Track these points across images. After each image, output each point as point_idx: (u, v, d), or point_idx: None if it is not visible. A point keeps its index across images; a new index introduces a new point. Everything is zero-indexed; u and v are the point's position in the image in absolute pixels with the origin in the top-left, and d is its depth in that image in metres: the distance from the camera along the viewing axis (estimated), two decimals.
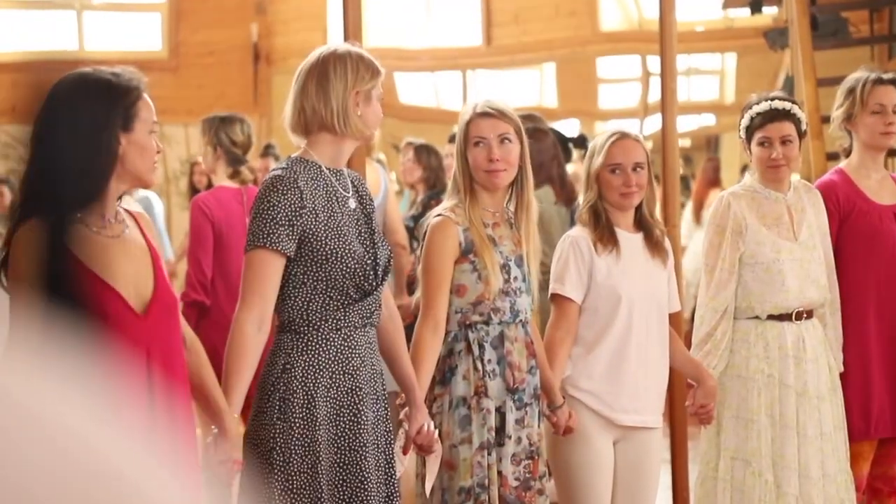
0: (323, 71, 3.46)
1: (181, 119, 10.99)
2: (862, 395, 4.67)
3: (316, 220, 3.39)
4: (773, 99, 4.58)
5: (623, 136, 4.23)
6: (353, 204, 3.52)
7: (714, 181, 10.96)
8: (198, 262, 5.59)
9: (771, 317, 4.50)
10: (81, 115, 2.97)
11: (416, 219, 7.03)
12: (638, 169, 4.17)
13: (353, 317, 3.42)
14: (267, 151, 8.73)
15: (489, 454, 3.78)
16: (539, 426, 3.93)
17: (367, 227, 3.54)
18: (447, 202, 3.96)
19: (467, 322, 3.84)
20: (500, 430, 3.82)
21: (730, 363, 4.52)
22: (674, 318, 4.49)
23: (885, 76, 4.80)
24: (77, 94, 2.99)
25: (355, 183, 3.58)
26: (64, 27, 12.01)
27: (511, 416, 3.83)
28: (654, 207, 4.29)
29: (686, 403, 4.46)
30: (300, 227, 3.36)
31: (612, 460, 4.17)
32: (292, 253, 3.37)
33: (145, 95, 3.09)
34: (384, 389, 3.53)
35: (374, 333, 3.52)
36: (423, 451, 3.70)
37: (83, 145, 2.96)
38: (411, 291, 5.85)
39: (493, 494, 3.77)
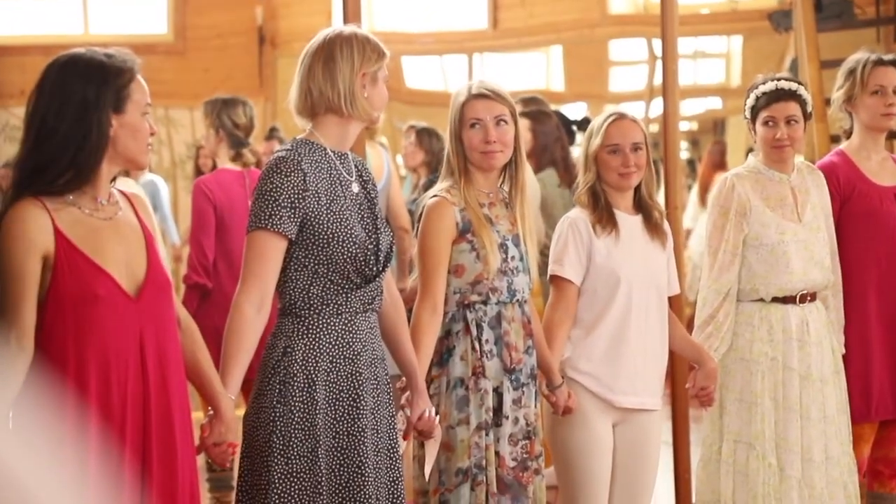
0: (329, 53, 3.44)
1: (187, 103, 10.97)
2: (863, 377, 4.66)
3: (318, 203, 3.38)
4: (778, 79, 4.57)
5: (621, 116, 4.23)
6: (356, 188, 3.50)
7: (720, 164, 10.95)
8: (200, 245, 5.59)
9: (775, 299, 4.50)
10: (72, 97, 2.97)
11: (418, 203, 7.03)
12: (637, 149, 4.17)
13: (354, 302, 3.42)
14: (272, 134, 8.72)
15: (487, 435, 3.78)
16: (536, 406, 3.93)
17: (370, 211, 3.52)
18: (441, 184, 3.96)
19: (466, 302, 3.83)
20: (498, 410, 3.82)
21: (734, 346, 4.51)
22: (674, 301, 4.48)
23: (886, 57, 4.78)
24: (69, 74, 2.99)
25: (359, 167, 3.57)
26: (69, 10, 12.00)
27: (508, 397, 3.83)
28: (653, 189, 4.29)
29: (686, 386, 4.46)
30: (302, 210, 3.36)
31: (612, 443, 4.17)
32: (294, 235, 3.36)
33: (139, 77, 3.08)
34: (386, 374, 3.53)
35: (375, 318, 3.51)
36: (424, 436, 3.70)
37: (74, 127, 2.96)
38: None
39: (491, 475, 3.78)
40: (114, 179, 3.12)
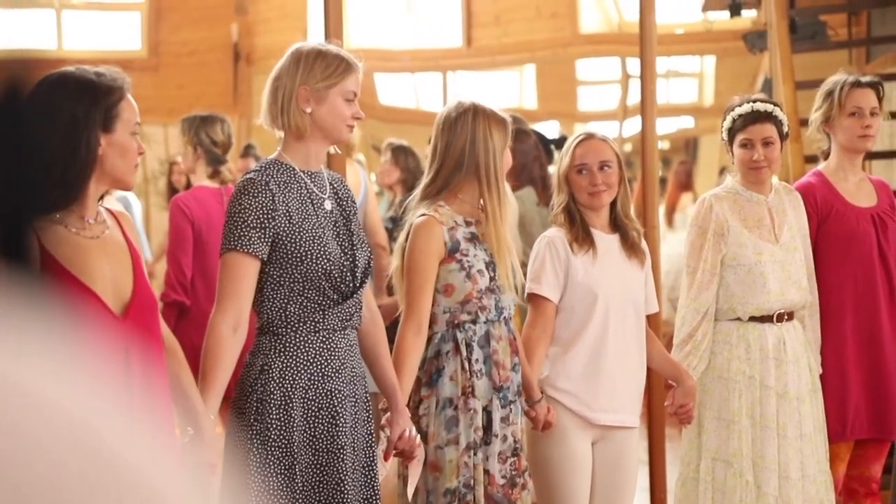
0: (280, 68, 3.48)
1: (161, 119, 10.95)
2: (839, 396, 4.69)
3: (289, 223, 3.39)
4: (754, 101, 4.61)
5: (588, 136, 4.27)
6: (329, 205, 3.51)
7: (686, 185, 10.98)
8: (177, 262, 5.58)
9: (752, 318, 4.52)
10: (61, 115, 2.96)
11: (395, 220, 7.02)
12: (605, 168, 4.19)
13: (331, 319, 3.42)
14: (247, 152, 8.71)
15: (475, 454, 3.79)
16: (521, 422, 3.95)
17: (346, 228, 3.53)
18: (425, 201, 3.93)
19: (455, 321, 3.83)
20: (487, 429, 3.82)
21: (711, 364, 4.53)
22: (652, 320, 4.50)
23: (864, 79, 4.82)
24: (58, 92, 2.98)
25: (335, 184, 3.57)
26: (43, 26, 11.95)
27: (497, 415, 3.83)
28: (629, 208, 4.31)
29: (665, 403, 4.48)
30: (272, 230, 3.36)
31: (591, 460, 4.18)
32: (265, 255, 3.37)
33: (129, 96, 3.07)
34: (366, 392, 3.53)
35: (354, 336, 3.52)
36: (405, 456, 3.70)
37: (62, 145, 2.95)
38: (391, 293, 5.86)
39: (479, 494, 3.77)
40: (101, 198, 3.12)
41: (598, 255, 4.18)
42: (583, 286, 4.15)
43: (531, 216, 6.35)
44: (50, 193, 2.95)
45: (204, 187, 5.73)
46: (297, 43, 3.57)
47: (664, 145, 13.99)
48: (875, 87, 4.80)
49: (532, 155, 6.49)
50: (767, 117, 4.55)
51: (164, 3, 12.06)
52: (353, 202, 3.61)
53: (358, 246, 3.51)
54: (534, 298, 4.20)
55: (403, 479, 3.78)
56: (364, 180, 6.53)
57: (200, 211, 5.61)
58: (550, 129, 11.88)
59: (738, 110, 4.57)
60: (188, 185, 6.63)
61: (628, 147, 12.15)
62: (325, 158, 3.65)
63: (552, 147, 7.05)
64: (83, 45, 11.86)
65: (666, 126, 13.39)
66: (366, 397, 3.52)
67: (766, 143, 4.54)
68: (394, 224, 7.00)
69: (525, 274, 4.12)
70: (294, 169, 3.47)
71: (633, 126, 12.33)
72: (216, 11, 12.02)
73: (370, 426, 3.53)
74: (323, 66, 3.46)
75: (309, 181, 3.48)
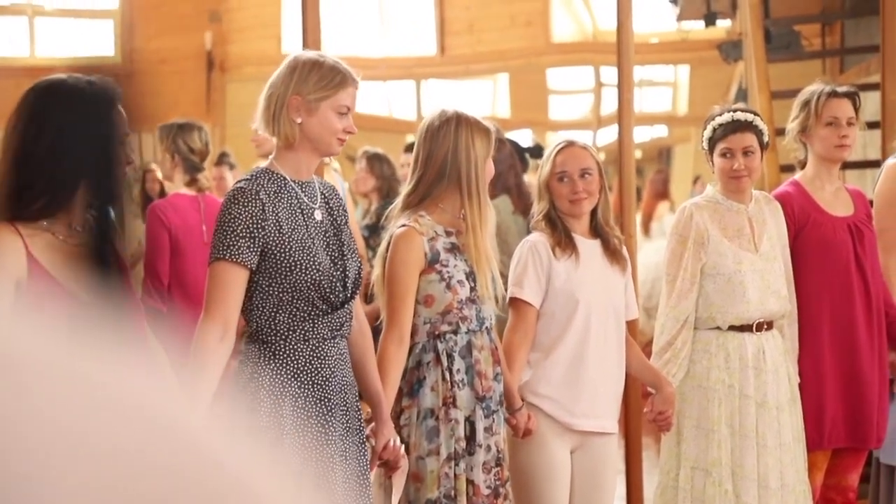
0: (276, 75, 3.48)
1: (134, 126, 10.91)
2: (816, 405, 4.70)
3: (279, 232, 3.37)
4: (735, 110, 4.62)
5: (569, 144, 4.27)
6: (319, 215, 3.49)
7: (662, 193, 11.00)
8: (154, 270, 5.56)
9: (732, 327, 4.53)
10: (49, 123, 2.95)
11: (371, 228, 7.03)
12: (586, 175, 4.19)
13: (321, 328, 3.41)
14: (222, 160, 8.67)
15: (457, 465, 3.78)
16: (503, 432, 3.95)
17: (336, 239, 3.51)
18: (406, 211, 3.93)
19: (436, 332, 3.83)
20: (471, 439, 3.82)
21: (691, 373, 4.54)
22: (631, 326, 4.51)
23: (840, 89, 4.84)
24: (48, 100, 2.97)
25: (326, 195, 3.56)
26: (15, 33, 11.90)
27: (480, 425, 3.83)
28: (609, 215, 4.32)
29: (644, 410, 4.48)
30: (261, 239, 3.35)
31: (569, 468, 4.18)
32: (254, 265, 3.35)
33: (119, 106, 3.07)
34: (357, 401, 3.52)
35: (344, 345, 3.51)
36: (389, 466, 3.69)
37: (49, 153, 2.94)
38: (369, 300, 5.86)
39: None
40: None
41: (580, 260, 4.18)
42: (564, 291, 4.16)
43: (507, 224, 6.36)
44: (37, 200, 2.94)
45: (181, 195, 5.72)
46: (297, 52, 3.56)
47: (637, 154, 14.04)
48: (851, 97, 4.83)
49: (507, 163, 6.50)
50: (748, 127, 4.56)
51: (138, 11, 12.01)
52: (345, 212, 3.60)
53: (348, 256, 3.50)
54: (515, 303, 4.20)
55: (385, 489, 3.78)
56: (342, 189, 6.53)
57: (177, 218, 5.60)
58: (523, 138, 11.91)
59: (719, 119, 4.59)
60: (162, 193, 6.61)
61: (602, 156, 12.17)
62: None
63: (527, 155, 7.08)
64: (56, 52, 11.81)
65: (639, 135, 13.45)
66: (357, 406, 3.51)
67: (747, 152, 4.56)
68: (370, 232, 7.00)
69: (505, 284, 4.12)
70: (285, 178, 3.45)
71: (607, 135, 12.37)
72: (190, 19, 11.98)
73: (362, 435, 3.53)
74: (317, 78, 3.44)
75: (299, 191, 3.47)
